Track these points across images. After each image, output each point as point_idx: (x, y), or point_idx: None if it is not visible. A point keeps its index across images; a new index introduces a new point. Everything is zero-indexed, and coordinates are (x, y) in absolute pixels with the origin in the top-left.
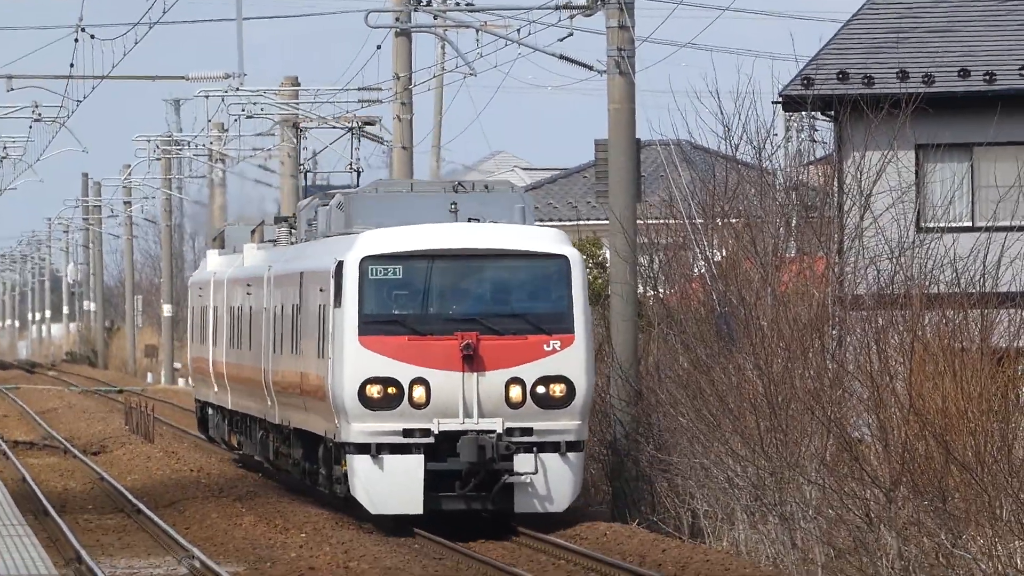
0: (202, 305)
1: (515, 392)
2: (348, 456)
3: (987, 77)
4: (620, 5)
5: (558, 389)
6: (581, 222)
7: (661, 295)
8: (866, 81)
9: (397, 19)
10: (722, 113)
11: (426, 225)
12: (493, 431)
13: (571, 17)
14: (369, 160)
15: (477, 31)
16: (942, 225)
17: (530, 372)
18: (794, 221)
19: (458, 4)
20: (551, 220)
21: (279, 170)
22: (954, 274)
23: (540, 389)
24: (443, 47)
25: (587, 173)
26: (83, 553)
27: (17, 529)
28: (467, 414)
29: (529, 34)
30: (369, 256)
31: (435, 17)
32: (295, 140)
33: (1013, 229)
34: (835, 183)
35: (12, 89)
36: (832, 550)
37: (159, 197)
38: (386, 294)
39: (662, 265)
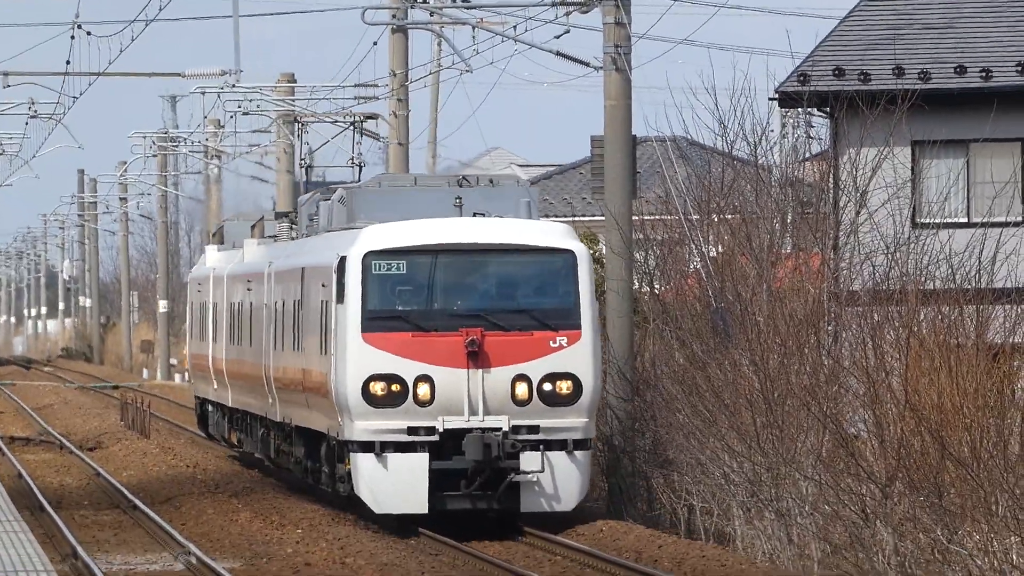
0: (201, 301)
1: (521, 389)
2: (352, 454)
3: (983, 74)
4: (616, 2)
5: (565, 386)
6: (577, 218)
7: (657, 291)
8: (862, 77)
9: (394, 16)
10: (718, 109)
11: (431, 219)
12: (499, 429)
13: (568, 14)
14: (365, 157)
15: (473, 28)
16: (938, 221)
17: (536, 369)
18: (790, 217)
19: (454, 1)
20: (546, 216)
21: (275, 166)
22: (950, 270)
23: (547, 386)
24: (439, 44)
25: (583, 169)
26: (79, 549)
27: (13, 525)
28: (472, 412)
29: (526, 31)
30: (372, 251)
31: (431, 14)
32: (292, 136)
33: (1009, 225)
34: (831, 179)
35: (8, 85)
36: (828, 546)
37: (155, 193)
38: (390, 290)
39: (658, 261)
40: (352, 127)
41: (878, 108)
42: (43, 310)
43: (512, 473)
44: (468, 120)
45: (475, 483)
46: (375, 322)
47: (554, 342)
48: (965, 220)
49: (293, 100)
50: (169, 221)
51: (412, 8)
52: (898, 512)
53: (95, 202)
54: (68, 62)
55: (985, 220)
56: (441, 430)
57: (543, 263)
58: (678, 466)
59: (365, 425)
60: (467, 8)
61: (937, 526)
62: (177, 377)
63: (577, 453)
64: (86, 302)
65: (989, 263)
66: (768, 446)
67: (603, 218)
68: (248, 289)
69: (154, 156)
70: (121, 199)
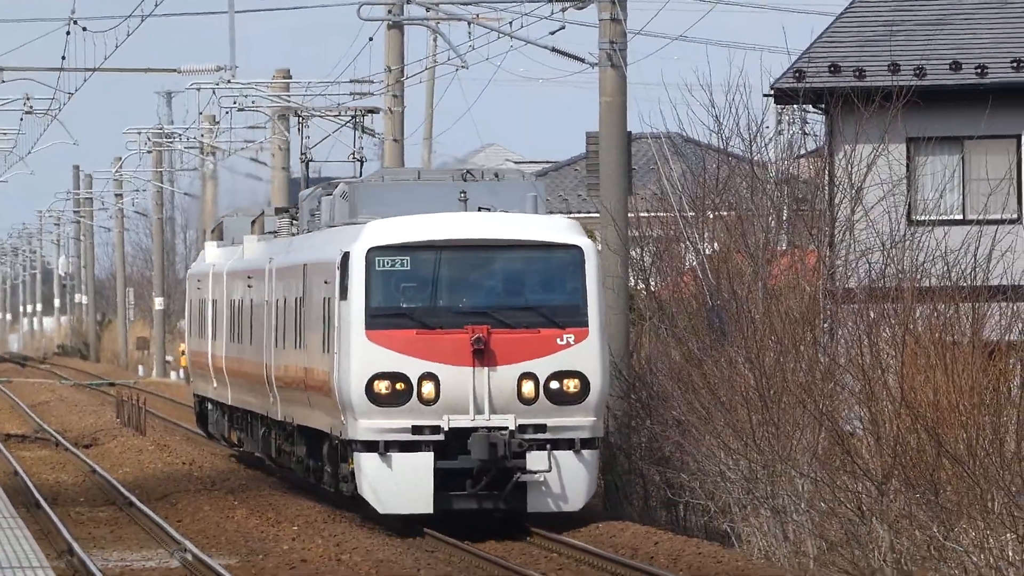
0: (200, 298)
1: (528, 388)
2: (355, 454)
3: (979, 70)
4: None
5: (572, 385)
6: (572, 215)
7: (653, 288)
8: (857, 74)
9: (389, 11)
10: (713, 106)
11: (435, 214)
12: (505, 428)
13: (563, 10)
14: (363, 152)
15: (469, 24)
16: (933, 218)
17: (543, 367)
18: (785, 214)
19: None
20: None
21: (271, 163)
22: (945, 267)
23: (554, 384)
24: (435, 40)
25: (578, 166)
26: (75, 546)
27: (9, 522)
28: (478, 410)
29: (521, 27)
30: (376, 247)
31: (427, 10)
32: (289, 132)
33: (1004, 222)
34: (826, 176)
35: (3, 81)
36: (824, 543)
37: (150, 190)
38: (394, 286)
39: (654, 258)
40: (353, 121)
41: (873, 105)
42: (39, 307)
43: (518, 473)
44: (464, 116)
45: (481, 483)
46: (379, 319)
47: (561, 340)
48: (961, 217)
49: (288, 96)
50: (165, 217)
51: (408, 4)
52: (894, 509)
53: (90, 198)
54: (63, 58)
55: (981, 217)
56: (446, 429)
57: (550, 259)
58: (674, 463)
59: (369, 424)
60: (463, 4)
61: (933, 523)
62: (173, 374)
63: (584, 452)
64: (81, 299)
65: (985, 260)
66: (764, 443)
67: (599, 215)
68: (248, 286)
69: (149, 152)
70: (116, 195)
